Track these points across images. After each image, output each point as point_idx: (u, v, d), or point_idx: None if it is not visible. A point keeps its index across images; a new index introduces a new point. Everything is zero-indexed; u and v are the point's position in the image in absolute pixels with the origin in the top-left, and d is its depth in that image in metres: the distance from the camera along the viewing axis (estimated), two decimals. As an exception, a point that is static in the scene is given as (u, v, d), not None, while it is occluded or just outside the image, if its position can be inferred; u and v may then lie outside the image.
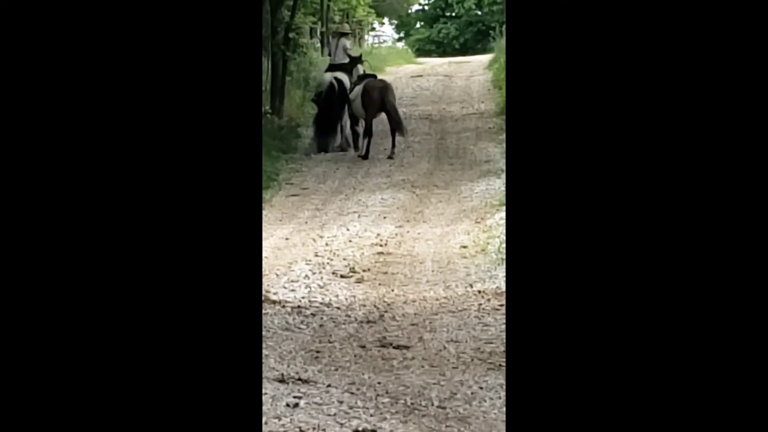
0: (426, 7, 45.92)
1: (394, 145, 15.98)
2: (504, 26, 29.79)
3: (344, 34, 18.72)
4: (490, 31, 33.68)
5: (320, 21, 25.87)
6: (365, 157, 15.99)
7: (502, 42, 27.07)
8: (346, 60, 17.30)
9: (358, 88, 16.33)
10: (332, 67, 17.55)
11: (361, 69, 16.97)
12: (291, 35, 19.24)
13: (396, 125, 15.88)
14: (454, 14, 43.76)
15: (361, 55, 18.12)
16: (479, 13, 42.73)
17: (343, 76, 16.94)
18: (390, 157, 15.90)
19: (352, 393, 5.55)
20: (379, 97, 15.88)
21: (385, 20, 43.20)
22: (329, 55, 18.64)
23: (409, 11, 45.44)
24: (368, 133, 16.08)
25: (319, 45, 26.35)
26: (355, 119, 16.62)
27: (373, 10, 29.81)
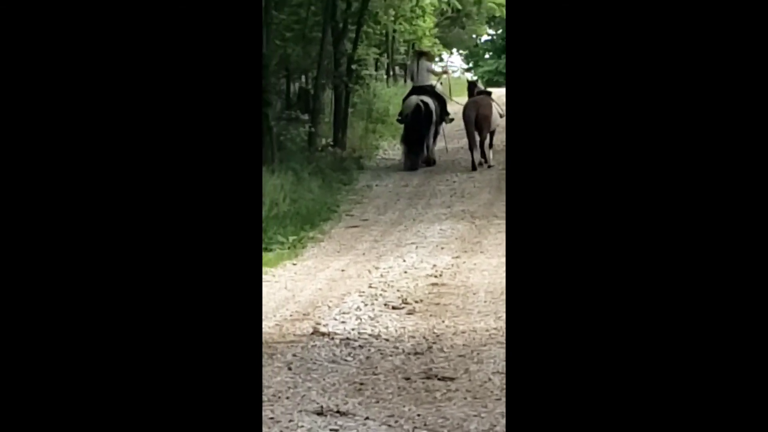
0: (494, 38, 45.85)
1: (473, 157, 17.67)
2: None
3: (423, 54, 19.31)
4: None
5: (385, 53, 25.93)
6: (473, 168, 17.54)
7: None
8: (430, 81, 18.79)
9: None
10: (416, 90, 18.65)
11: (480, 87, 19.11)
12: (353, 67, 19.30)
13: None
14: (522, 44, 43.61)
15: (477, 79, 21.08)
16: (548, 42, 42.59)
17: (428, 99, 18.20)
18: (474, 168, 17.55)
19: (389, 425, 5.50)
20: (470, 114, 17.68)
21: (454, 51, 43.21)
22: (411, 79, 19.71)
23: (478, 42, 45.36)
24: (471, 146, 17.67)
25: (384, 76, 26.42)
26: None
27: (438, 41, 29.77)
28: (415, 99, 18.24)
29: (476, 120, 17.53)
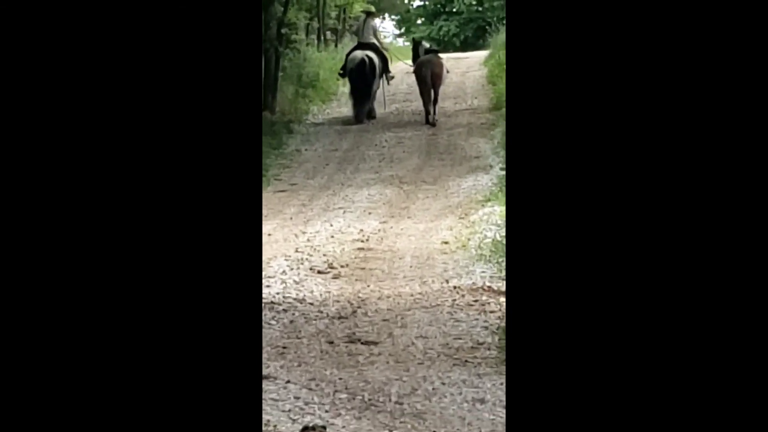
0: (426, 3, 45.67)
1: (427, 113, 17.92)
2: (502, 21, 29.72)
3: (371, 14, 20.46)
4: (487, 27, 33.50)
5: (316, 17, 25.75)
6: (430, 123, 17.83)
7: (497, 38, 26.93)
8: (373, 39, 19.41)
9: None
10: (360, 46, 19.27)
11: (426, 46, 19.52)
12: (283, 31, 19.15)
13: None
14: (454, 10, 43.46)
15: (421, 39, 22.14)
16: (480, 9, 42.47)
17: (372, 54, 18.76)
18: (430, 123, 17.83)
19: (310, 389, 5.51)
20: (425, 72, 17.85)
21: (386, 16, 43.01)
22: (355, 34, 20.84)
23: (410, 8, 45.16)
24: (425, 103, 18.04)
25: (314, 41, 26.24)
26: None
27: (371, 6, 29.61)
28: (360, 54, 18.73)
29: (430, 78, 17.89)
